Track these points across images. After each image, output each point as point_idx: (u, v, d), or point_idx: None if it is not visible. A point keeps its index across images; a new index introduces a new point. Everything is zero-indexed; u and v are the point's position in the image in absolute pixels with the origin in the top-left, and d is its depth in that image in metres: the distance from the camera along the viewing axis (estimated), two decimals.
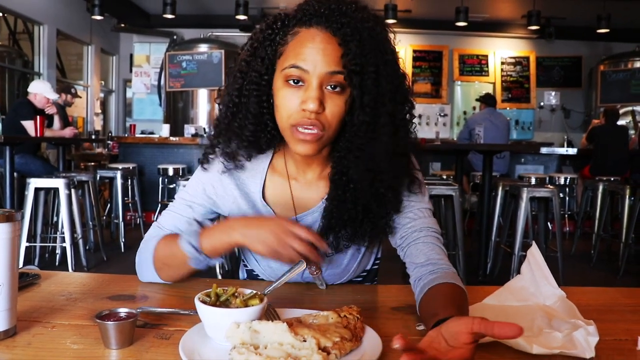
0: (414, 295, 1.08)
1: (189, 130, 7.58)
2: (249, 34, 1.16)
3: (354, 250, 1.25)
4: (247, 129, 1.11)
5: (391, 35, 1.10)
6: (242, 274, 1.46)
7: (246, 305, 0.87)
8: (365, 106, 1.03)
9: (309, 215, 1.21)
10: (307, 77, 1.02)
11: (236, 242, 1.05)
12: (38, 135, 5.12)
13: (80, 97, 8.86)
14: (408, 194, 1.18)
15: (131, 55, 10.66)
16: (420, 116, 10.14)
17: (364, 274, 1.36)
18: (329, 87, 1.03)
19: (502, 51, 10.37)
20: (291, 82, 1.04)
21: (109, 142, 8.28)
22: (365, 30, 1.02)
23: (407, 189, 1.16)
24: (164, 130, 7.63)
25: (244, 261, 1.42)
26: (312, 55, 1.02)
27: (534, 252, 1.06)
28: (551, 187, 4.37)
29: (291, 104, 1.04)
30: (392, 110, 1.06)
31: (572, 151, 7.47)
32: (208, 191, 1.22)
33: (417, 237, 1.15)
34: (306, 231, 1.01)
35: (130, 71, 10.65)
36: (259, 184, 1.20)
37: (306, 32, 1.05)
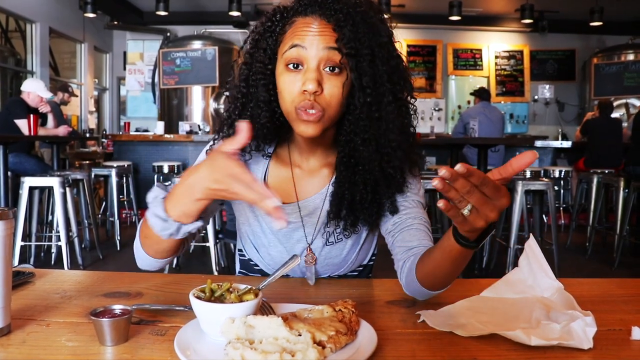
0: (402, 278, 1.11)
1: (184, 127, 7.57)
2: (243, 30, 1.19)
3: (353, 240, 1.26)
4: (262, 116, 1.15)
5: (386, 18, 1.15)
6: (237, 265, 1.45)
7: (241, 301, 0.86)
8: (365, 87, 1.07)
9: (311, 202, 1.23)
10: (305, 58, 1.07)
11: (201, 197, 0.90)
12: (32, 133, 5.10)
13: (77, 96, 8.83)
14: (411, 178, 1.21)
15: (125, 53, 10.62)
16: (414, 111, 10.11)
17: (360, 268, 1.36)
18: (327, 69, 1.07)
19: (496, 45, 10.38)
20: (291, 66, 1.08)
21: (103, 140, 8.25)
22: (358, 14, 1.07)
23: (409, 171, 1.20)
24: (159, 128, 7.61)
25: (240, 251, 1.41)
26: (309, 36, 1.07)
27: (532, 244, 1.06)
28: (546, 180, 4.38)
29: (293, 88, 1.08)
30: (392, 89, 1.10)
31: (567, 144, 7.49)
32: None
33: (411, 224, 1.17)
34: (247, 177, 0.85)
35: (124, 69, 10.62)
36: (262, 170, 1.25)
37: (302, 20, 1.10)
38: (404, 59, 1.17)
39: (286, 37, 1.11)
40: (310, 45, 1.06)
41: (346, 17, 1.05)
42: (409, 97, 1.17)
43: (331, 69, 1.07)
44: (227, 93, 1.23)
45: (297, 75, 1.08)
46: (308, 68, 1.07)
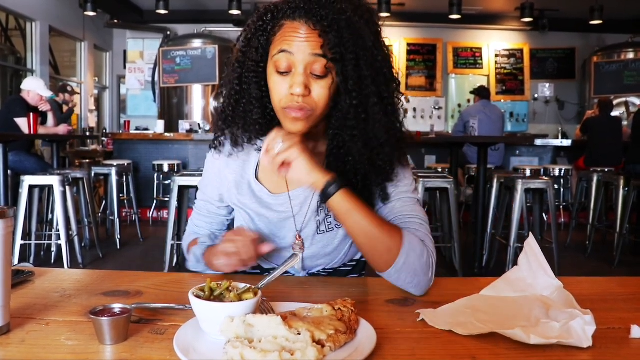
0: None
1: (184, 126, 7.57)
2: (243, 28, 1.22)
3: (345, 231, 1.28)
4: (254, 112, 1.22)
5: (375, 16, 1.19)
6: None
7: (240, 299, 0.86)
8: (351, 91, 1.12)
9: (301, 192, 1.28)
10: (293, 63, 1.12)
11: (215, 255, 1.20)
12: (31, 132, 5.09)
13: (79, 93, 8.82)
14: (401, 169, 1.26)
15: (125, 52, 10.61)
16: (415, 109, 10.15)
17: (353, 263, 1.39)
18: (314, 73, 1.12)
19: (496, 44, 10.37)
20: (280, 70, 1.13)
21: (103, 138, 8.25)
22: (342, 20, 1.10)
23: (398, 161, 1.25)
24: (159, 127, 7.61)
25: None
26: (296, 43, 1.11)
27: (531, 243, 1.06)
28: (546, 178, 4.37)
29: (281, 89, 1.14)
30: (377, 91, 1.14)
31: (567, 143, 7.49)
32: (210, 183, 1.37)
33: (403, 222, 1.21)
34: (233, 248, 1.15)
35: (124, 67, 10.61)
36: (253, 164, 1.30)
37: (291, 24, 1.13)
38: (392, 56, 1.22)
39: (276, 39, 1.15)
40: (297, 51, 1.11)
41: (331, 24, 1.09)
42: (396, 93, 1.21)
43: (318, 73, 1.11)
44: (221, 90, 1.29)
45: (285, 78, 1.13)
46: (296, 72, 1.12)
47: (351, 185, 1.18)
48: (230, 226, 1.43)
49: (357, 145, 1.16)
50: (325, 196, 1.09)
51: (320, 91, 1.12)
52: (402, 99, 1.24)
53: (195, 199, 1.44)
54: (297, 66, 1.11)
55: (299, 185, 1.07)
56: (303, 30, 1.11)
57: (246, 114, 1.22)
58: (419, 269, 1.11)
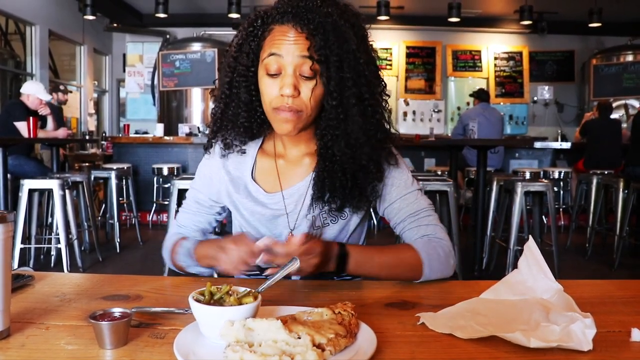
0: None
1: (183, 129, 7.56)
2: (235, 34, 1.29)
3: (340, 227, 1.34)
4: (241, 116, 1.27)
5: (360, 20, 1.25)
6: None
7: (240, 303, 0.87)
8: (332, 92, 1.18)
9: (295, 190, 1.33)
10: (283, 65, 1.18)
11: (212, 256, 1.20)
12: (31, 136, 5.09)
13: (71, 92, 8.83)
14: (392, 174, 1.32)
15: (124, 55, 10.61)
16: (414, 112, 10.16)
17: None
18: (302, 74, 1.18)
19: (495, 46, 10.38)
20: (270, 72, 1.19)
21: (103, 142, 8.25)
22: (328, 24, 1.16)
23: (386, 162, 1.30)
24: (158, 130, 7.61)
25: None
26: (285, 45, 1.17)
27: (531, 246, 1.06)
28: (545, 181, 4.38)
29: (272, 91, 1.20)
30: (358, 93, 1.19)
31: (566, 145, 7.48)
32: (206, 182, 1.40)
33: (405, 225, 1.32)
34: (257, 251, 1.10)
35: (124, 71, 10.62)
36: (249, 166, 1.36)
37: (280, 28, 1.19)
38: (376, 56, 1.28)
39: (265, 43, 1.21)
40: (286, 54, 1.17)
41: (317, 27, 1.15)
42: (381, 95, 1.26)
43: (306, 74, 1.18)
44: (213, 94, 1.35)
45: (275, 80, 1.19)
46: (285, 74, 1.18)
47: (341, 184, 1.25)
48: (215, 229, 1.48)
49: (340, 145, 1.22)
50: (340, 270, 1.18)
51: (308, 92, 1.18)
52: (388, 100, 1.30)
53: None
54: (286, 68, 1.17)
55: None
56: (291, 34, 1.17)
57: (235, 117, 1.28)
58: (444, 266, 1.24)
